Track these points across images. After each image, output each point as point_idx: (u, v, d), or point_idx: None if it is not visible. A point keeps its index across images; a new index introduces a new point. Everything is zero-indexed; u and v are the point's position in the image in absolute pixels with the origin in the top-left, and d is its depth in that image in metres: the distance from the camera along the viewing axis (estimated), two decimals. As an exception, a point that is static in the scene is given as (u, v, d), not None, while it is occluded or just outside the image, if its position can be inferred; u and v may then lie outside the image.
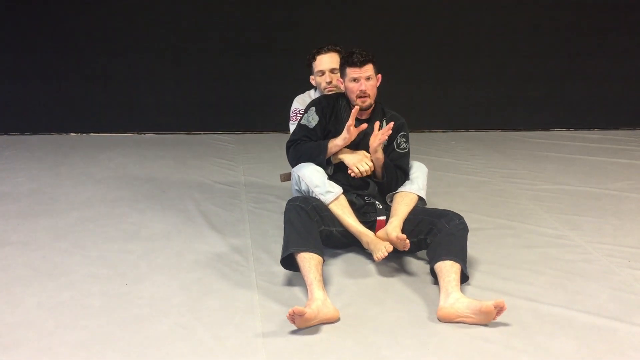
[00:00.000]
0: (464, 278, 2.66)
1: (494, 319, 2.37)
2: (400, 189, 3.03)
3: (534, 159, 4.84)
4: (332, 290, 2.66)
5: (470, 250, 2.96)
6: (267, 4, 5.29)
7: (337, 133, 3.01)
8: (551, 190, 4.05)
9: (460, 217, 2.83)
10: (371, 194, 3.03)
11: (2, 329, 2.30)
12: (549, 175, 4.39)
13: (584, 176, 4.38)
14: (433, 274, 2.69)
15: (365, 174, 2.98)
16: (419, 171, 3.11)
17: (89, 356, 2.15)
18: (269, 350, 2.21)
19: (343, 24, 5.34)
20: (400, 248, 2.78)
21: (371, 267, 2.89)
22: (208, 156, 4.73)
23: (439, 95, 5.69)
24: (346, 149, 3.03)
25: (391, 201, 3.02)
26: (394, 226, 2.81)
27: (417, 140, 5.25)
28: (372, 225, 2.96)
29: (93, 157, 4.61)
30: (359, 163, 2.97)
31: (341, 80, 3.05)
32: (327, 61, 3.27)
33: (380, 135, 2.90)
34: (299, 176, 3.01)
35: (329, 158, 3.03)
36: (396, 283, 2.74)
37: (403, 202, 2.96)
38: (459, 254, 2.67)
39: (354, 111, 2.90)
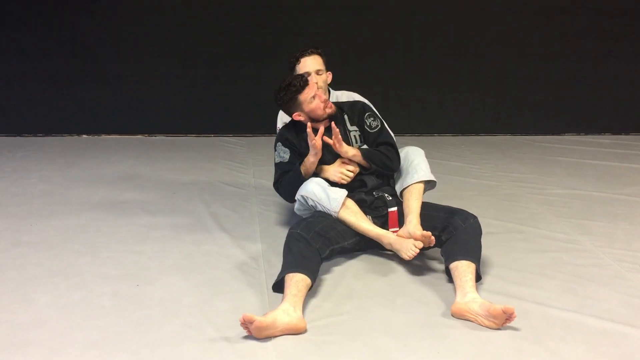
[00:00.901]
0: (477, 277, 2.66)
1: (503, 324, 2.37)
2: (406, 182, 3.01)
3: (544, 163, 4.83)
4: (342, 292, 2.66)
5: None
6: (277, 8, 5.31)
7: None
8: (561, 195, 4.04)
9: (474, 217, 2.84)
10: (375, 188, 3.04)
11: (14, 329, 2.32)
12: (559, 180, 4.37)
13: (595, 181, 4.36)
14: (447, 272, 2.70)
15: (354, 175, 3.01)
16: (416, 156, 3.11)
17: (99, 356, 2.16)
18: (279, 351, 2.22)
19: (352, 29, 5.35)
20: (426, 245, 2.79)
21: (380, 269, 2.89)
22: (218, 159, 4.75)
23: (448, 99, 5.68)
24: (323, 167, 3.06)
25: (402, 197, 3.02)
26: (414, 225, 2.82)
27: (426, 144, 5.21)
28: (385, 219, 2.97)
29: (104, 159, 4.64)
30: (341, 174, 3.00)
31: (299, 114, 3.02)
32: (311, 63, 3.33)
33: (335, 141, 2.93)
34: (302, 196, 2.99)
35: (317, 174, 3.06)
36: (406, 285, 2.75)
37: (412, 197, 2.96)
38: (475, 254, 2.68)
39: (309, 130, 2.93)
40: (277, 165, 3.17)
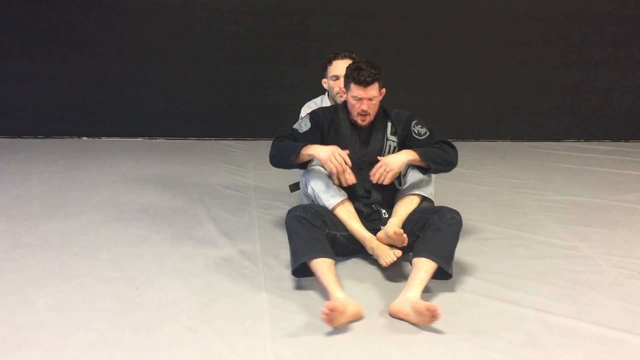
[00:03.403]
0: (446, 275, 2.67)
1: (430, 323, 2.38)
2: (404, 192, 3.00)
3: (544, 169, 4.84)
4: (341, 297, 2.67)
5: (479, 260, 2.97)
6: (279, 12, 5.32)
7: (339, 146, 2.92)
8: (561, 201, 4.04)
9: (454, 212, 2.81)
10: (376, 201, 3.03)
11: (14, 330, 2.32)
12: (559, 186, 4.38)
13: (594, 187, 4.37)
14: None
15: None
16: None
17: (98, 358, 2.17)
18: (278, 355, 2.22)
19: (354, 33, 5.36)
20: (399, 244, 2.78)
21: (379, 274, 2.90)
22: (218, 162, 4.75)
23: (448, 104, 5.69)
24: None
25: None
26: (392, 224, 2.82)
27: (426, 149, 5.25)
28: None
29: (105, 161, 4.64)
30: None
31: (344, 90, 3.00)
32: (342, 67, 3.24)
33: (376, 176, 2.87)
34: (305, 180, 3.05)
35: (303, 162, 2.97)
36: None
37: (403, 204, 2.96)
38: (439, 252, 2.65)
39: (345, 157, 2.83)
40: (292, 130, 3.04)
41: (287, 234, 2.77)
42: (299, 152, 2.88)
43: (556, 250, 3.25)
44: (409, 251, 2.83)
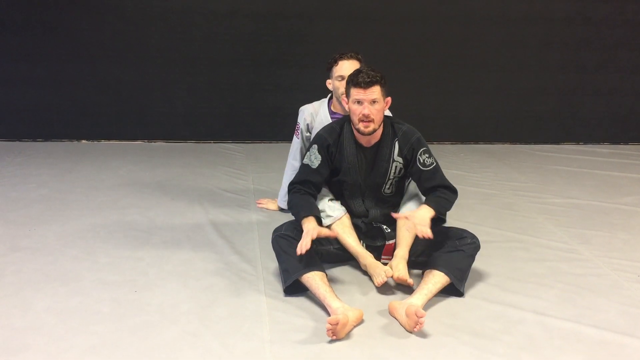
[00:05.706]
0: (458, 293, 2.68)
1: (413, 329, 2.38)
2: (408, 209, 2.94)
3: (544, 172, 4.84)
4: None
5: (479, 263, 2.95)
6: (278, 16, 5.32)
7: (341, 169, 2.89)
8: (560, 204, 4.04)
9: (473, 236, 2.81)
10: (375, 219, 2.99)
11: (12, 333, 2.32)
12: (559, 189, 4.38)
13: (594, 190, 4.37)
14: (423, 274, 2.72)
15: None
16: None
17: (97, 362, 2.16)
18: (277, 358, 2.22)
19: (353, 37, 5.36)
20: (403, 284, 2.75)
21: (379, 277, 2.89)
22: (218, 165, 4.75)
23: (448, 107, 5.69)
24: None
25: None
26: (397, 260, 2.73)
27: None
28: (380, 250, 2.93)
29: (104, 164, 4.64)
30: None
31: (346, 100, 2.84)
32: (348, 67, 3.19)
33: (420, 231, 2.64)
34: None
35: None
36: (404, 295, 2.74)
37: (405, 226, 2.85)
38: (454, 269, 2.66)
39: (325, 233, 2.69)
40: (303, 167, 2.91)
41: (275, 253, 2.78)
42: (300, 221, 2.76)
43: (556, 253, 3.25)
44: (419, 268, 2.82)
